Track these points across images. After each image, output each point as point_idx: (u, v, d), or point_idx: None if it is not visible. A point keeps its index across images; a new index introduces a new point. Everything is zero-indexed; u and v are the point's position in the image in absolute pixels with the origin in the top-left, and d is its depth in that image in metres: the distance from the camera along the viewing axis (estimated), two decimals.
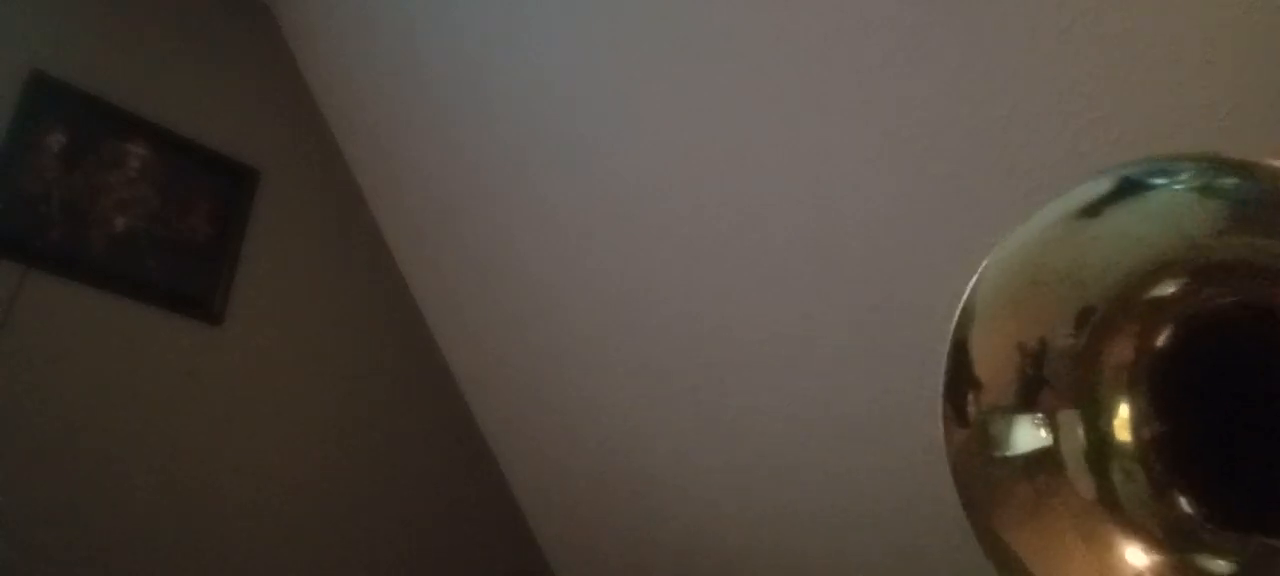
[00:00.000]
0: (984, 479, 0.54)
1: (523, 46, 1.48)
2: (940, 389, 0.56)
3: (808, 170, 1.23)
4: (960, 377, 0.55)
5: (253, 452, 1.53)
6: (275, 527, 1.52)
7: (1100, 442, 0.52)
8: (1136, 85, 0.93)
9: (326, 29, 1.88)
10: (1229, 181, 0.45)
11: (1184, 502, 0.49)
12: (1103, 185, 0.47)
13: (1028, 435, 0.53)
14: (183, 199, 1.59)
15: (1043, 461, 0.52)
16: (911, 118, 1.10)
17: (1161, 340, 0.50)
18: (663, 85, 1.34)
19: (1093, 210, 0.48)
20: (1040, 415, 0.52)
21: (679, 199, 1.41)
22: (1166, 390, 0.51)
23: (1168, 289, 0.49)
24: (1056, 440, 0.52)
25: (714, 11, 1.23)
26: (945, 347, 0.57)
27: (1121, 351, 0.51)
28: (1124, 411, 0.52)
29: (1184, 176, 0.46)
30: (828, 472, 1.42)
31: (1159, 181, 0.46)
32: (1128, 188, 0.47)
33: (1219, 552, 0.48)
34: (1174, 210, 0.46)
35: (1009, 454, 0.53)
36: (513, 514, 1.99)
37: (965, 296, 0.58)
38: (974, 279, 0.58)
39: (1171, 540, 0.49)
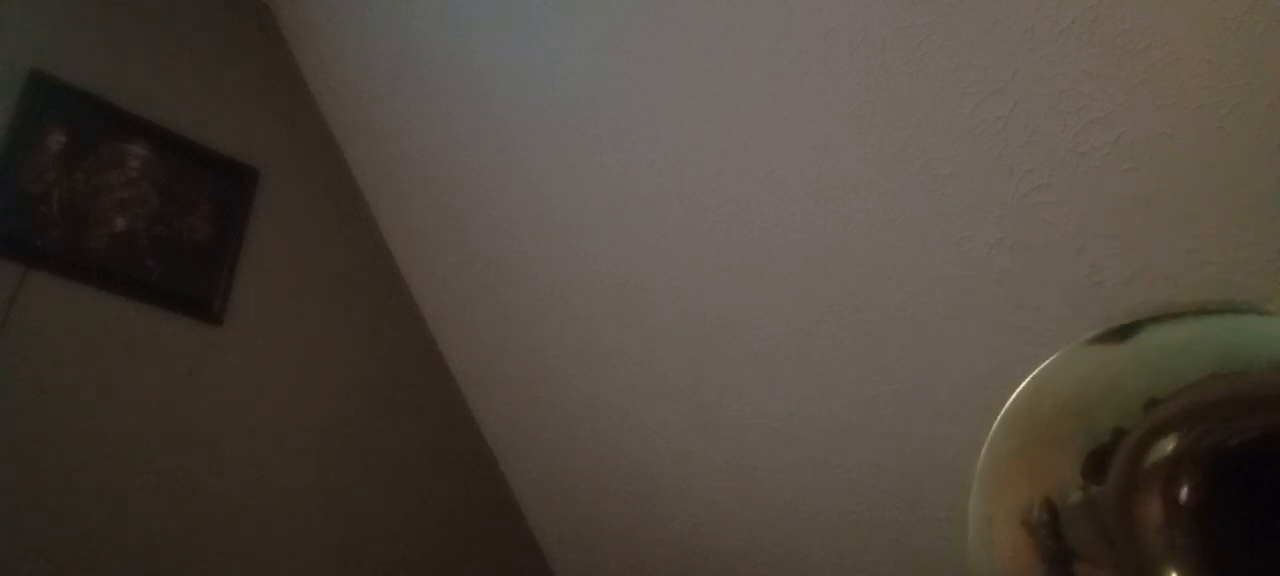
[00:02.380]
0: None
1: (523, 47, 1.48)
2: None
3: (808, 170, 1.23)
4: None
5: (253, 452, 1.53)
6: (275, 527, 1.52)
7: None
8: (1136, 85, 0.93)
9: (326, 29, 1.88)
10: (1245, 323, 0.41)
11: None
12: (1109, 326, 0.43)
13: None
14: (183, 199, 1.59)
15: None
16: (911, 118, 1.10)
17: (1189, 489, 0.44)
18: (662, 86, 1.34)
19: (1104, 339, 0.44)
20: None
21: (679, 199, 1.41)
22: (1214, 544, 0.43)
23: (1184, 428, 0.43)
24: None
25: (715, 12, 1.23)
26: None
27: (1151, 506, 0.44)
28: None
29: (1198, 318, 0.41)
30: (828, 472, 1.42)
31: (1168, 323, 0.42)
32: (1131, 329, 0.43)
33: None
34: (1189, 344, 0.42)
35: None
36: (513, 514, 1.99)
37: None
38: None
39: None
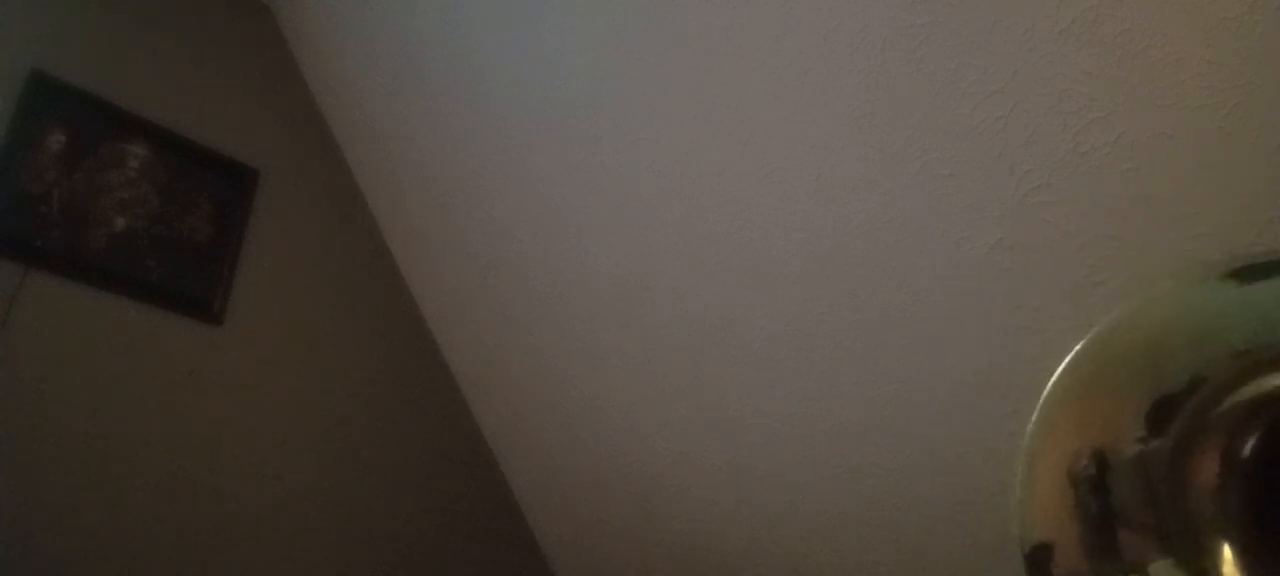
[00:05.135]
0: None
1: (523, 46, 1.48)
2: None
3: (808, 170, 1.23)
4: (1029, 540, 0.43)
5: (252, 452, 1.53)
6: (275, 527, 1.51)
7: None
8: (1136, 85, 0.93)
9: (326, 29, 1.88)
10: None
11: None
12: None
13: None
14: (183, 199, 1.59)
15: None
16: (911, 118, 1.10)
17: (1254, 447, 0.38)
18: (663, 86, 1.34)
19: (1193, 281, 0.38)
20: None
21: (679, 199, 1.41)
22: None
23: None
24: None
25: (715, 12, 1.23)
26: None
27: (1207, 464, 0.39)
28: (1227, 554, 0.39)
29: None
30: (828, 472, 1.42)
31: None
32: (1256, 271, 0.37)
33: None
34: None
35: None
36: (513, 514, 1.99)
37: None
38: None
39: None
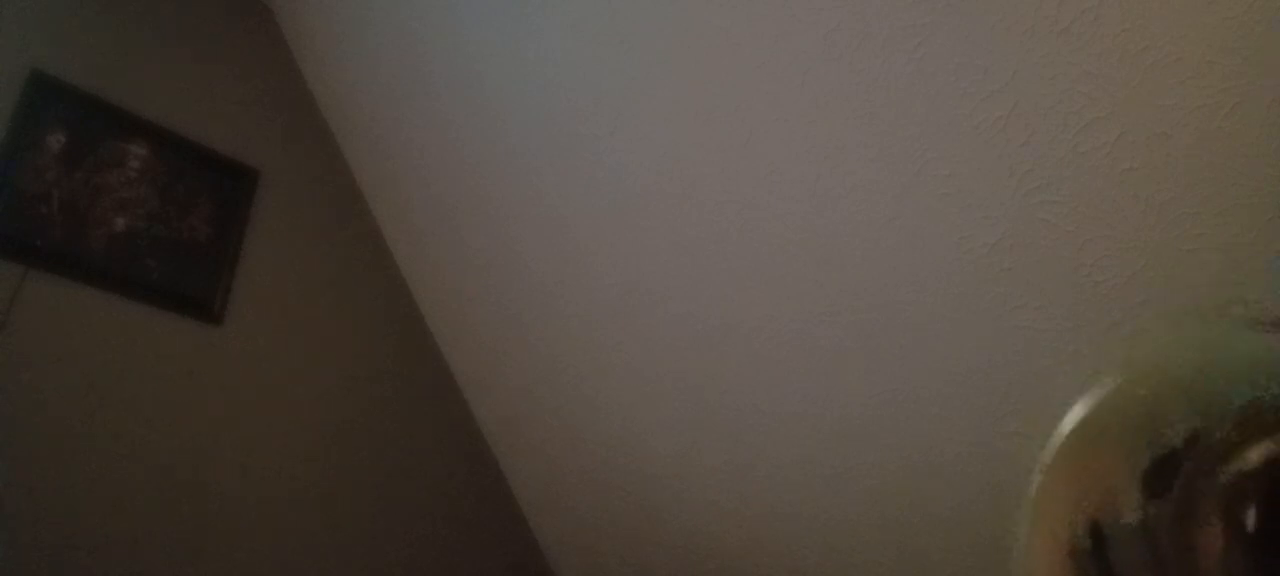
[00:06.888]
0: None
1: (523, 46, 1.48)
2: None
3: (808, 170, 1.23)
4: None
5: (253, 452, 1.53)
6: (275, 527, 1.51)
7: None
8: (1136, 85, 0.93)
9: (326, 29, 1.88)
10: None
11: None
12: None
13: None
14: (183, 199, 1.59)
15: None
16: (911, 118, 1.10)
17: (1259, 512, 0.36)
18: (663, 86, 1.34)
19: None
20: None
21: (679, 199, 1.41)
22: None
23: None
24: None
25: (714, 12, 1.23)
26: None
27: (1212, 533, 0.36)
28: None
29: None
30: (828, 472, 1.42)
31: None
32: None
33: None
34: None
35: None
36: (513, 514, 1.99)
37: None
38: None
39: None
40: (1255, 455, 0.37)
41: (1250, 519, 0.37)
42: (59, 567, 1.23)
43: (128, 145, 1.53)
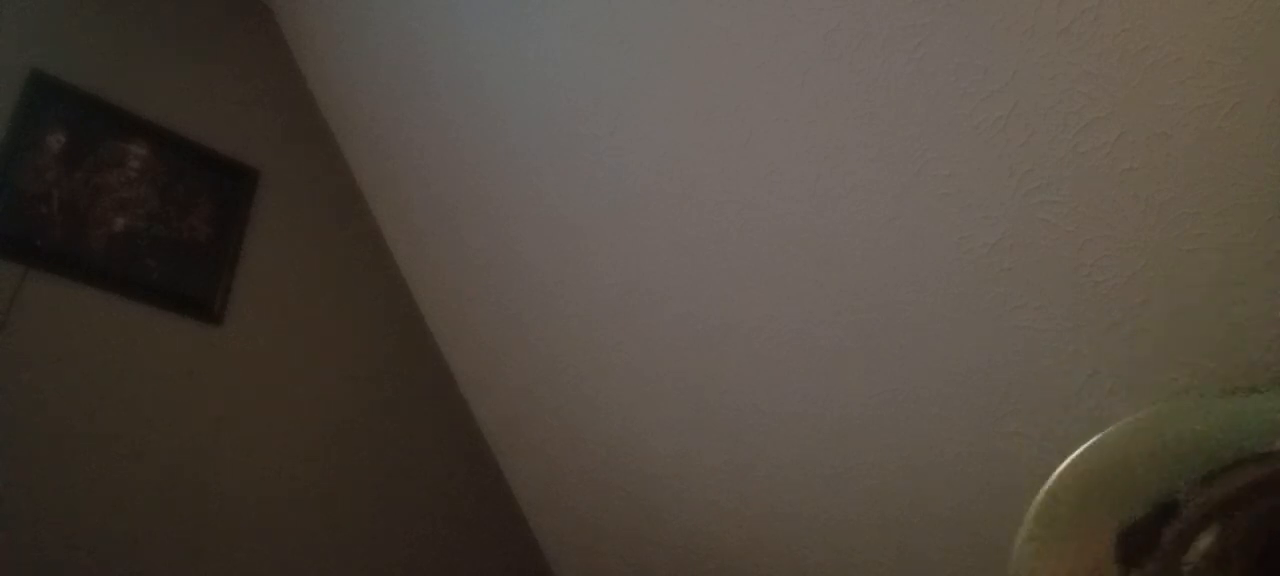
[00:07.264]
0: None
1: (523, 46, 1.48)
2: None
3: (808, 170, 1.23)
4: None
5: (252, 452, 1.53)
6: (275, 527, 1.51)
7: None
8: (1136, 85, 0.93)
9: (326, 29, 1.88)
10: None
11: None
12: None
13: None
14: (183, 199, 1.59)
15: None
16: (911, 118, 1.10)
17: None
18: (663, 86, 1.34)
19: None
20: None
21: (679, 199, 1.41)
22: None
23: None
24: None
25: (714, 12, 1.23)
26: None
27: None
28: None
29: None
30: (828, 472, 1.42)
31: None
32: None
33: None
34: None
35: None
36: (513, 514, 1.99)
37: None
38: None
39: None
40: (1222, 534, 0.35)
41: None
42: (59, 567, 1.23)
43: (128, 145, 1.53)
